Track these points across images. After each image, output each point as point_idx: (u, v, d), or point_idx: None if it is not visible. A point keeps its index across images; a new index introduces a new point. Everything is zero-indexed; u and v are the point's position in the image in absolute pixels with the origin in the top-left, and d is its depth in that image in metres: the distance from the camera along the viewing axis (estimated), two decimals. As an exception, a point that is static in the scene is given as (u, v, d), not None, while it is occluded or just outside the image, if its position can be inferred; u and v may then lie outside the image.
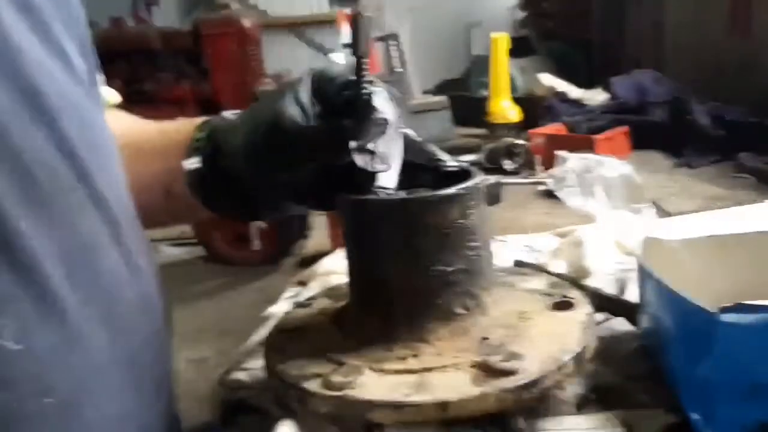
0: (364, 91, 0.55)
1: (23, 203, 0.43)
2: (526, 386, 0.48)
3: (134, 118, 0.75)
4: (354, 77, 0.56)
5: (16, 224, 0.42)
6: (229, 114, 0.65)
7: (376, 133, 0.54)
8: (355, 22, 0.54)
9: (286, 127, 0.57)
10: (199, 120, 0.67)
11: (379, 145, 0.54)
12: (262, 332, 0.77)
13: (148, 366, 0.54)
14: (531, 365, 0.49)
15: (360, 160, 0.53)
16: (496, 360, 0.50)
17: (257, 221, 0.75)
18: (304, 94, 0.58)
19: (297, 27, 6.35)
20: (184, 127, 0.67)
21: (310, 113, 0.57)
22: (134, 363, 0.51)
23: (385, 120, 0.55)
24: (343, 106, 0.57)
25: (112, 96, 0.75)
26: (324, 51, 6.12)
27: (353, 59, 0.55)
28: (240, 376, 0.68)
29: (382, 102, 0.56)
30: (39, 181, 0.45)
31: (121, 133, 0.71)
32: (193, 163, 0.63)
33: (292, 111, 0.57)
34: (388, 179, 0.55)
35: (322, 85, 0.59)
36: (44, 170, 0.45)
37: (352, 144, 0.54)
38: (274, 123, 0.57)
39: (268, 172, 0.60)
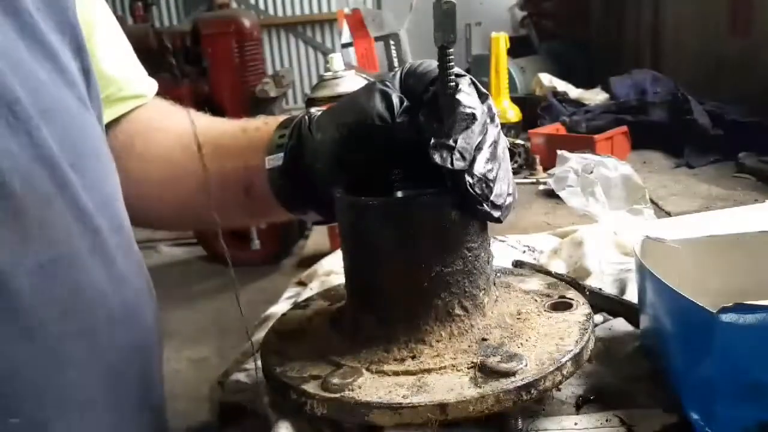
0: (449, 83, 0.52)
1: None
2: (525, 387, 0.48)
3: (212, 117, 0.74)
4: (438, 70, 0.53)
5: None
6: (315, 111, 0.63)
7: (460, 129, 0.51)
8: (439, 8, 0.50)
9: (372, 123, 0.55)
10: (281, 117, 0.66)
11: (460, 140, 0.50)
12: (262, 333, 0.77)
13: (130, 380, 0.52)
14: (530, 366, 0.49)
15: (437, 157, 0.50)
16: (494, 361, 0.50)
17: (330, 218, 0.72)
18: (393, 89, 0.56)
19: (297, 26, 6.36)
20: (265, 125, 0.66)
21: (397, 109, 0.55)
22: (114, 377, 0.50)
23: (471, 114, 0.51)
24: (430, 101, 0.54)
25: (152, 85, 0.74)
26: (324, 51, 6.13)
27: (438, 50, 0.52)
28: (239, 377, 0.68)
29: (469, 94, 0.52)
30: (14, 192, 0.43)
31: (199, 131, 0.69)
32: (275, 159, 0.62)
33: (379, 106, 0.55)
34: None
35: (411, 81, 0.57)
36: (20, 181, 0.43)
37: (432, 141, 0.51)
38: (361, 118, 0.56)
39: (351, 169, 0.58)
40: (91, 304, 0.48)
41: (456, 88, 0.52)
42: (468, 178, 0.50)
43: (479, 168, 0.50)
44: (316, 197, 0.62)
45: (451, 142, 0.50)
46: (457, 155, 0.50)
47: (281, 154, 0.62)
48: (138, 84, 0.72)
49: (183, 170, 0.68)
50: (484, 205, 0.51)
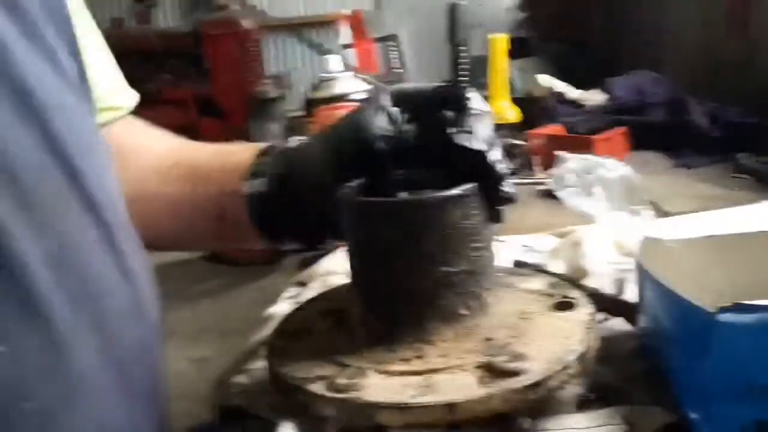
0: (461, 79, 0.56)
1: (11, 206, 0.42)
2: (532, 386, 0.48)
3: (184, 139, 0.73)
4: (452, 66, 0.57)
5: (2, 225, 0.42)
6: (295, 139, 0.64)
7: (473, 120, 0.54)
8: (452, 11, 0.55)
9: (376, 136, 0.56)
10: (259, 145, 0.66)
11: (477, 129, 0.54)
12: (263, 333, 0.77)
13: (138, 372, 0.53)
14: (536, 366, 0.50)
15: (459, 139, 0.53)
16: (501, 361, 0.50)
17: (316, 250, 0.71)
18: (388, 105, 0.58)
19: (297, 27, 6.35)
20: (241, 152, 0.66)
21: (399, 121, 0.57)
22: (124, 369, 0.50)
23: (483, 110, 0.55)
24: (437, 104, 0.57)
25: (130, 98, 0.73)
26: (324, 52, 6.12)
27: (452, 47, 0.56)
28: (240, 378, 0.68)
29: (476, 97, 0.56)
30: (28, 184, 0.44)
31: (171, 150, 0.69)
32: (255, 186, 0.62)
33: (380, 120, 0.57)
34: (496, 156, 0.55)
35: (404, 98, 0.59)
36: (34, 173, 0.44)
37: (450, 129, 0.54)
38: (364, 134, 0.57)
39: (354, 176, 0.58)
40: (102, 296, 0.49)
41: (467, 85, 0.56)
42: (491, 157, 0.54)
43: (497, 152, 0.54)
44: (295, 224, 0.62)
45: (468, 129, 0.54)
46: (476, 139, 0.53)
47: (263, 180, 0.62)
48: (115, 95, 0.71)
49: (153, 193, 0.67)
50: (505, 184, 0.55)
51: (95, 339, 0.47)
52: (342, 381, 0.51)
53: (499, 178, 0.54)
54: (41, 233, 0.44)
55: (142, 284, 0.55)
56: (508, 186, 0.55)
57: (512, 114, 1.95)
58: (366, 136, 0.57)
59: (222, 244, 0.75)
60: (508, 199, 0.55)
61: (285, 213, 0.62)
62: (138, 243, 0.57)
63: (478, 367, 0.51)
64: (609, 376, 0.58)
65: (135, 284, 0.53)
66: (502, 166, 0.55)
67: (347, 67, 1.49)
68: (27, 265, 0.43)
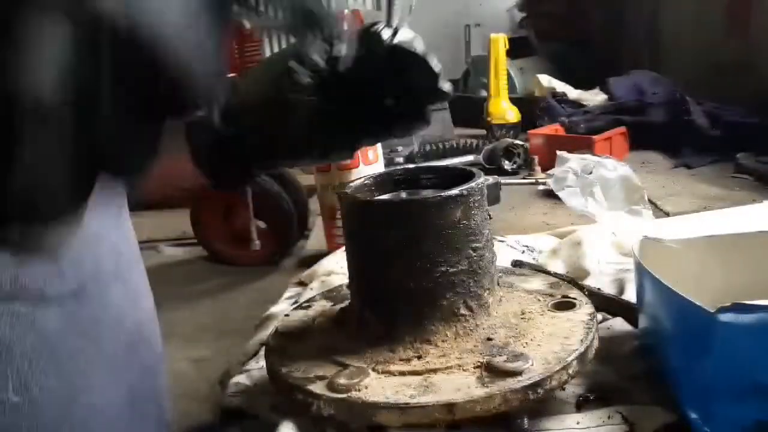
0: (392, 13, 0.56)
1: None
2: (532, 387, 0.48)
3: None
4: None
5: (26, 272, 0.41)
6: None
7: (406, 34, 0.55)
8: None
9: (311, 50, 0.56)
10: None
11: (412, 39, 0.55)
12: (263, 333, 0.77)
13: (146, 398, 0.53)
14: (536, 365, 0.50)
15: (401, 36, 0.54)
16: (500, 361, 0.50)
17: (251, 181, 0.69)
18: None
19: (296, 27, 6.36)
20: None
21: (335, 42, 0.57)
22: (134, 397, 0.50)
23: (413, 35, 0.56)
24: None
25: None
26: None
27: None
28: (240, 379, 0.68)
29: (406, 29, 0.56)
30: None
31: None
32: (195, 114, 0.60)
33: (317, 45, 0.56)
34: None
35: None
36: None
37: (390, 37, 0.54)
38: (297, 51, 0.56)
39: (297, 100, 0.57)
40: (114, 326, 0.49)
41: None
42: (429, 56, 0.55)
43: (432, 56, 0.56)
44: (237, 150, 0.61)
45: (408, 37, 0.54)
46: (416, 41, 0.54)
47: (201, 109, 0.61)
48: None
49: None
50: (442, 81, 0.55)
51: (107, 370, 0.47)
52: (342, 381, 0.51)
53: (436, 75, 0.55)
54: (62, 273, 0.44)
55: (146, 308, 0.55)
56: (444, 83, 0.56)
57: (512, 114, 1.95)
58: (303, 53, 0.56)
59: (164, 190, 0.74)
60: (445, 95, 0.56)
61: (226, 136, 0.60)
62: (142, 268, 0.56)
63: (478, 367, 0.51)
64: (609, 376, 0.58)
65: (139, 309, 0.53)
66: (438, 65, 0.55)
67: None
68: (44, 312, 0.42)
